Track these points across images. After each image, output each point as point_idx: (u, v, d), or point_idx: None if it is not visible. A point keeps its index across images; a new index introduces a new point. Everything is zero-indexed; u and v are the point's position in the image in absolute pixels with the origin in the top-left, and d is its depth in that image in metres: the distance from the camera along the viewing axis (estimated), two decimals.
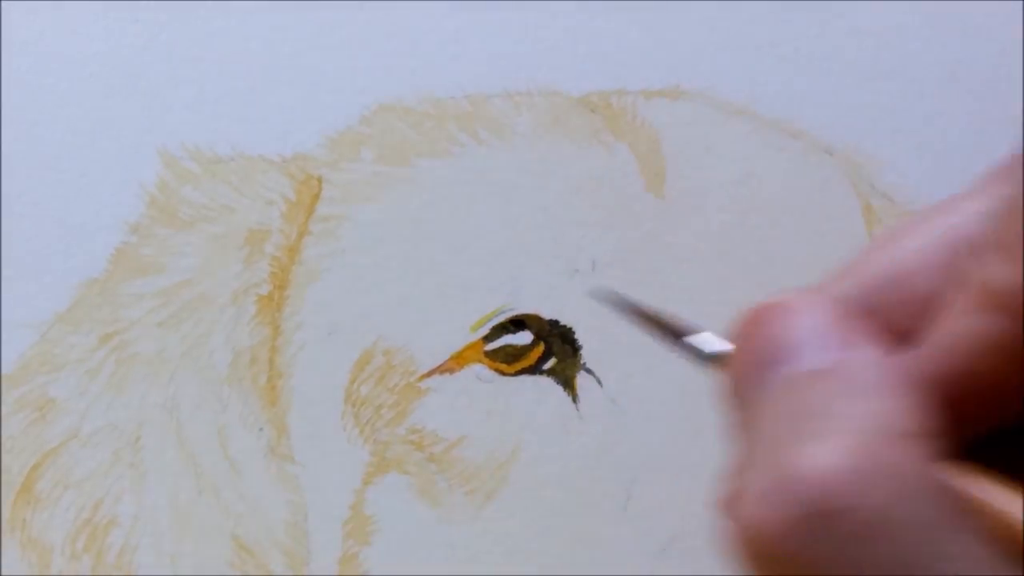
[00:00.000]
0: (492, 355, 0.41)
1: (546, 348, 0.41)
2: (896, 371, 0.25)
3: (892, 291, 0.27)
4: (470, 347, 0.41)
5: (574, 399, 0.41)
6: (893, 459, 0.24)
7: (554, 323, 0.41)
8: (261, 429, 0.41)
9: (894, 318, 0.26)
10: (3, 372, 0.41)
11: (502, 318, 0.41)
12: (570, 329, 0.41)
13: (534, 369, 0.41)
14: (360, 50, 0.42)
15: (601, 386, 0.41)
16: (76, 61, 0.42)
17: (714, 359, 0.27)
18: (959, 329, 0.26)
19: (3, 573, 0.41)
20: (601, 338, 0.41)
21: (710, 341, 0.29)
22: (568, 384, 0.41)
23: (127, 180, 0.42)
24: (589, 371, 0.41)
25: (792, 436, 0.25)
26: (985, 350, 0.26)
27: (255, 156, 0.42)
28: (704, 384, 0.41)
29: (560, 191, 0.41)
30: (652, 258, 0.41)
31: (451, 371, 0.41)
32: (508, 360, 0.41)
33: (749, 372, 0.27)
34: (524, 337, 0.41)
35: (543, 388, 0.41)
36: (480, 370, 0.41)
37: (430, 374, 0.41)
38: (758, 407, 0.26)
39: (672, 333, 0.31)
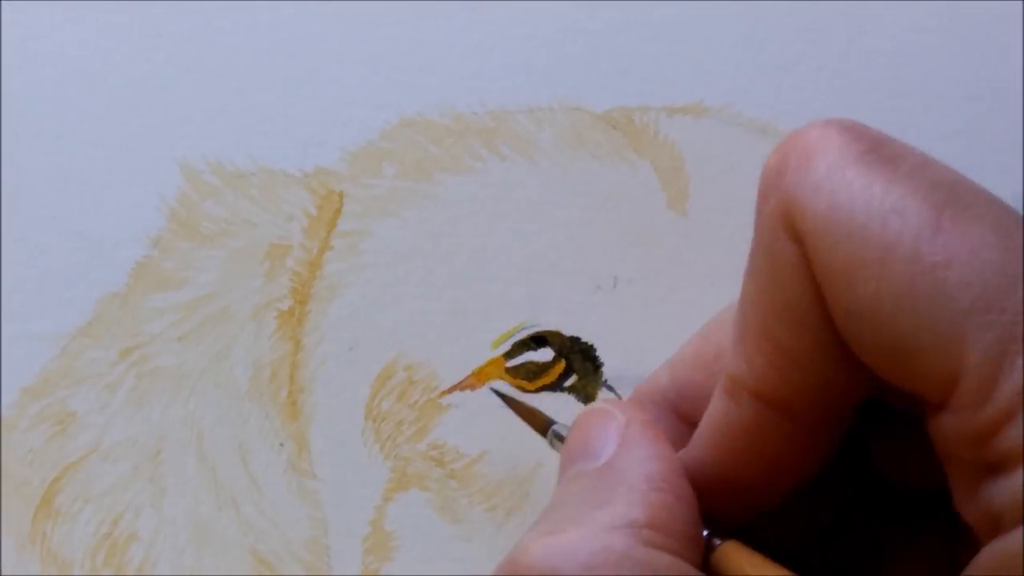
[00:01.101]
0: (513, 372, 0.41)
1: (567, 365, 0.41)
2: (658, 468, 0.29)
3: (694, 384, 0.31)
4: (491, 363, 0.41)
5: None
6: (611, 548, 0.27)
7: (575, 340, 0.41)
8: (282, 444, 0.41)
9: (699, 407, 0.30)
10: (24, 385, 0.41)
11: (523, 335, 0.41)
12: (591, 346, 0.41)
13: (555, 386, 0.41)
14: (382, 65, 0.42)
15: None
16: (97, 75, 0.42)
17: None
18: (708, 419, 0.29)
19: None
20: (622, 355, 0.41)
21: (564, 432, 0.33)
22: (589, 401, 0.41)
23: (148, 194, 0.42)
24: (610, 388, 0.41)
25: (541, 523, 0.28)
26: (725, 435, 0.29)
27: (276, 170, 0.42)
28: None
29: (582, 207, 0.41)
30: (674, 275, 0.41)
31: (472, 387, 0.41)
32: (529, 377, 0.41)
33: (561, 465, 0.32)
34: (545, 354, 0.41)
35: (564, 405, 0.41)
36: (501, 387, 0.41)
37: (451, 390, 0.41)
38: (553, 495, 0.31)
39: (540, 424, 0.35)
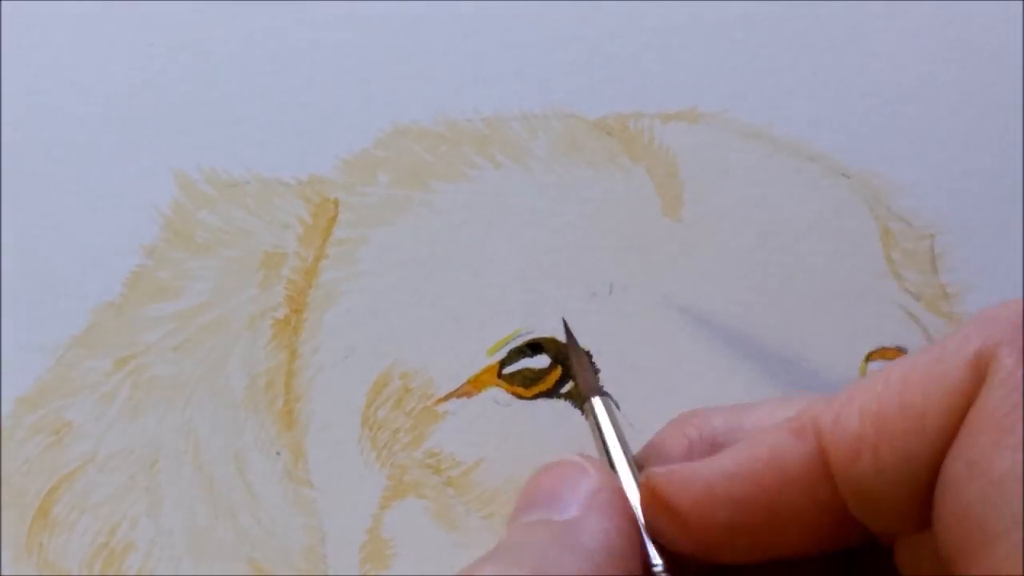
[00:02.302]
0: (509, 379, 0.41)
1: (564, 372, 0.41)
2: (619, 543, 0.30)
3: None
4: (487, 370, 0.41)
5: None
6: None
7: None
8: (278, 453, 0.41)
9: None
10: (20, 395, 0.41)
11: (519, 342, 0.41)
12: (588, 352, 0.41)
13: (552, 393, 0.41)
14: (375, 73, 0.42)
15: (619, 409, 0.41)
16: (91, 84, 0.42)
17: None
18: (760, 445, 0.30)
19: None
20: (619, 361, 0.41)
21: None
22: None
23: (142, 203, 0.42)
24: (606, 394, 0.41)
25: (495, 560, 0.30)
26: (770, 463, 0.30)
27: (271, 179, 0.42)
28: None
29: (577, 214, 0.41)
30: (669, 281, 0.41)
31: (468, 395, 0.41)
32: (525, 384, 0.41)
33: (520, 504, 0.33)
34: (541, 360, 0.41)
35: (561, 412, 0.41)
36: (497, 394, 0.41)
37: (447, 398, 0.41)
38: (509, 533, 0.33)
39: (587, 386, 0.36)
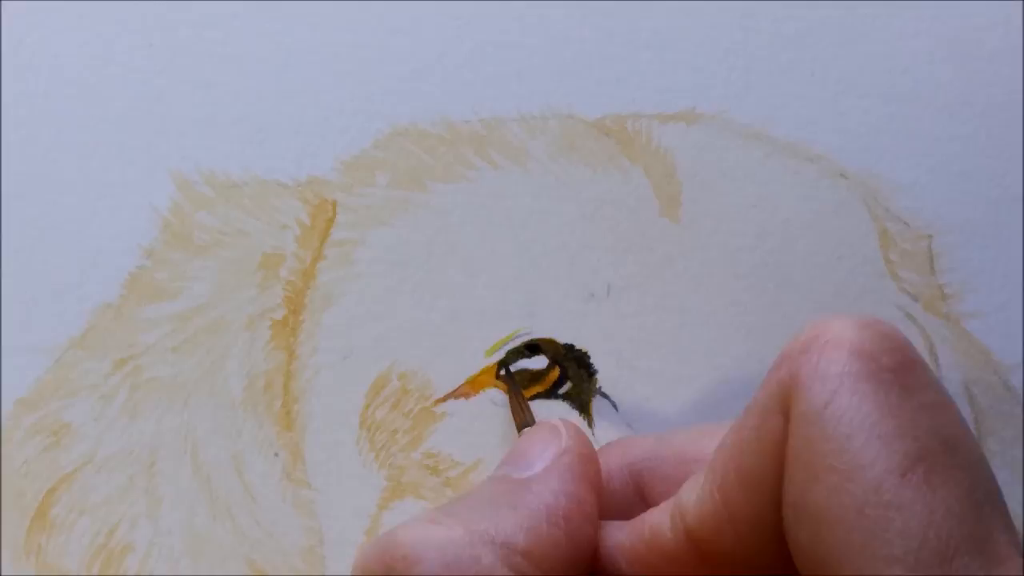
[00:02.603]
0: (507, 379, 0.41)
1: (561, 372, 0.41)
2: (565, 504, 0.31)
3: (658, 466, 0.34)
4: (485, 372, 0.41)
5: (590, 423, 0.41)
6: (478, 560, 0.28)
7: (569, 347, 0.41)
8: (276, 454, 0.41)
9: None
10: (18, 397, 0.41)
11: (517, 342, 0.41)
12: (585, 353, 0.41)
13: (550, 393, 0.41)
14: (373, 74, 0.42)
15: (617, 410, 0.41)
16: (90, 85, 0.42)
17: None
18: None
19: None
20: (616, 362, 0.41)
21: None
22: (584, 408, 0.41)
23: (141, 204, 0.42)
24: (605, 395, 0.41)
25: (440, 508, 0.31)
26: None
27: (269, 180, 0.42)
28: (719, 408, 0.41)
29: (575, 215, 0.41)
30: (667, 282, 0.41)
31: (466, 396, 0.41)
32: (523, 385, 0.41)
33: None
34: (539, 362, 0.41)
35: (559, 413, 0.41)
36: (495, 394, 0.41)
37: (445, 399, 0.41)
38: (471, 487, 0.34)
39: (520, 422, 0.36)
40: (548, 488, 0.31)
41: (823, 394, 0.26)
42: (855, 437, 0.25)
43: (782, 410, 0.27)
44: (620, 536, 0.31)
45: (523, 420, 0.39)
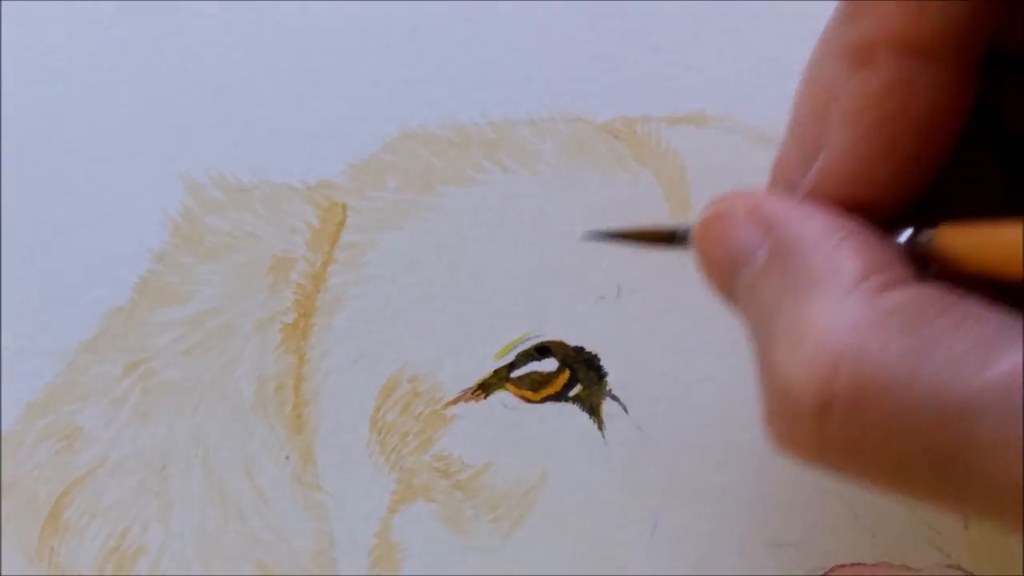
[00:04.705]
0: (517, 382, 0.41)
1: (572, 375, 0.41)
2: (822, 224, 0.26)
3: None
4: (495, 374, 0.41)
5: (600, 426, 0.41)
6: (862, 315, 0.24)
7: (579, 350, 0.41)
8: (287, 457, 0.41)
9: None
10: (30, 400, 0.41)
11: (527, 345, 0.41)
12: (596, 356, 0.41)
13: (560, 396, 0.41)
14: (383, 77, 0.42)
15: (627, 413, 0.41)
16: (100, 89, 0.42)
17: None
18: (843, 111, 0.28)
19: None
20: (627, 365, 0.41)
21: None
22: (594, 411, 0.41)
23: (151, 208, 0.42)
24: (615, 398, 0.41)
25: (771, 342, 0.26)
26: (867, 113, 0.27)
27: (279, 184, 0.42)
28: (730, 410, 0.41)
29: (584, 218, 0.41)
30: (677, 285, 0.41)
31: (477, 399, 0.41)
32: (534, 387, 0.41)
33: (719, 281, 0.29)
34: (549, 364, 0.41)
35: (569, 415, 0.41)
36: (506, 397, 0.41)
37: (455, 401, 0.41)
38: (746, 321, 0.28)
39: (664, 238, 0.33)
40: (798, 232, 0.27)
41: None
42: None
43: None
44: (836, 154, 0.28)
45: (664, 234, 0.33)
